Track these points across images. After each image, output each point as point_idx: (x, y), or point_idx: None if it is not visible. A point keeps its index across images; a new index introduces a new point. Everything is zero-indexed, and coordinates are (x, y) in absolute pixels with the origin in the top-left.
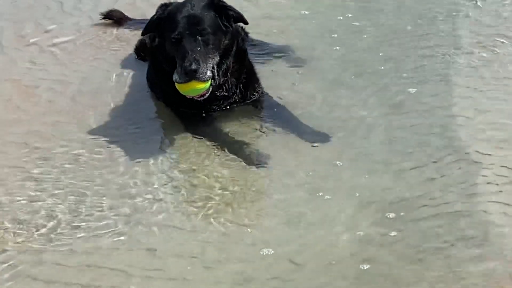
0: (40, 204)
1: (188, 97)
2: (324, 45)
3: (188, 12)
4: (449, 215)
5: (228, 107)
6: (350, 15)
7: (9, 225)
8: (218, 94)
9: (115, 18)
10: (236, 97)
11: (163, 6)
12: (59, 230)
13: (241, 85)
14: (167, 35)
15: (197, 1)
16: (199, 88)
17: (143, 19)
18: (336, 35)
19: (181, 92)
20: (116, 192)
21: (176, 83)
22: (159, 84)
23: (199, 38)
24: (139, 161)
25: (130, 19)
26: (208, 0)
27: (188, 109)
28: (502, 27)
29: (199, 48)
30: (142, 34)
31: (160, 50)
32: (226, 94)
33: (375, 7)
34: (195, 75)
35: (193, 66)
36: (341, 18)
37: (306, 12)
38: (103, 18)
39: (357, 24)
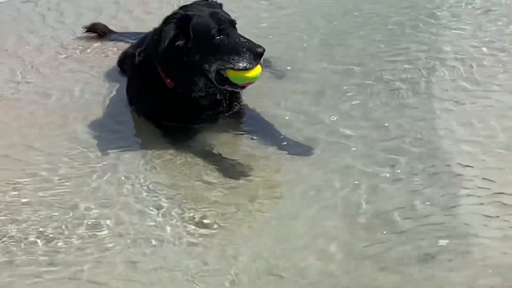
0: (21, 217)
1: (244, 85)
2: (305, 58)
3: (211, 11)
4: (430, 227)
5: (213, 118)
6: (332, 28)
7: None
8: (218, 98)
9: (98, 31)
10: (223, 106)
11: (174, 16)
12: (39, 242)
13: (228, 93)
14: (202, 35)
15: (204, 3)
16: (260, 72)
17: (126, 32)
18: (318, 48)
19: (245, 80)
20: (97, 204)
21: (241, 72)
22: (144, 99)
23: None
24: (122, 174)
25: (114, 32)
26: (210, 1)
27: (173, 123)
28: (484, 41)
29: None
30: (163, 47)
31: (179, 58)
32: (219, 99)
33: (358, 20)
34: (262, 57)
35: (262, 48)
36: (324, 31)
37: (287, 24)
38: (87, 31)
39: (340, 36)
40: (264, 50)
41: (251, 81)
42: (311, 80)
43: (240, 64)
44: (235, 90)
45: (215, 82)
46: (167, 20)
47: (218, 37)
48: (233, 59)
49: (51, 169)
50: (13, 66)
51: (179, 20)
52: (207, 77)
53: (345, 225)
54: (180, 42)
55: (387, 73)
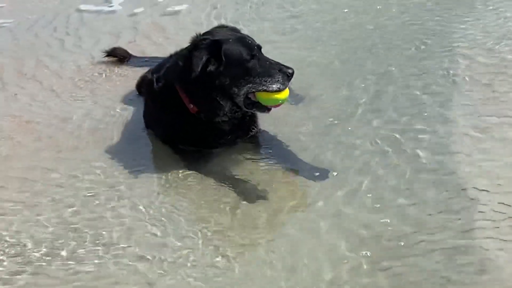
0: (39, 238)
1: (274, 107)
2: (323, 83)
3: (238, 35)
4: (446, 251)
5: (231, 142)
6: (348, 52)
7: (8, 259)
8: (237, 122)
9: (118, 56)
10: (242, 130)
11: (204, 42)
12: (58, 264)
13: (247, 117)
14: (235, 60)
15: (226, 29)
16: (289, 93)
17: (146, 57)
18: (334, 73)
19: (276, 102)
20: (114, 227)
21: (273, 94)
22: (164, 123)
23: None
24: (139, 196)
25: (134, 57)
26: (230, 27)
27: (192, 147)
28: (500, 66)
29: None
30: (197, 71)
31: (207, 83)
32: (239, 123)
33: (376, 46)
34: (292, 77)
35: (292, 69)
36: (340, 55)
37: (304, 49)
38: (107, 56)
39: (356, 61)
40: (294, 71)
41: (282, 102)
42: (329, 105)
43: (274, 86)
44: (263, 112)
45: (242, 106)
46: (196, 46)
47: (250, 60)
48: (265, 81)
49: (68, 192)
50: (32, 90)
51: (210, 46)
52: (233, 101)
53: (361, 249)
54: (211, 67)
55: (403, 98)
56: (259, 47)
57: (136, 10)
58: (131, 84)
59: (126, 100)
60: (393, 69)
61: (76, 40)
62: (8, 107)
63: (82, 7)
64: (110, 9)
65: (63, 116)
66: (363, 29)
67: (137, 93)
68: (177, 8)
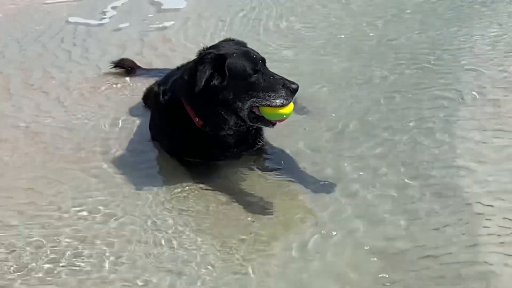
0: (45, 249)
1: (279, 121)
2: (329, 96)
3: (243, 50)
4: (451, 265)
5: (237, 155)
6: (355, 65)
7: (14, 268)
8: (243, 135)
9: (126, 67)
10: (247, 143)
11: (208, 56)
12: (64, 275)
13: (253, 131)
14: (238, 74)
15: (232, 42)
16: (293, 108)
17: (154, 68)
18: (341, 86)
19: (280, 117)
20: (120, 238)
21: (277, 109)
22: (170, 136)
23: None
24: (144, 209)
25: (141, 68)
26: (236, 40)
27: (197, 159)
28: (504, 81)
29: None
30: (201, 86)
31: (211, 97)
32: (244, 136)
33: (382, 58)
34: (296, 93)
35: (296, 85)
36: (346, 68)
37: (310, 61)
38: (115, 67)
39: (362, 75)
40: (298, 86)
41: (286, 117)
42: (334, 118)
43: (277, 101)
44: (267, 127)
45: (247, 120)
46: (201, 60)
47: (254, 75)
48: (269, 96)
49: (74, 203)
50: (39, 100)
51: (214, 60)
52: (238, 115)
53: (365, 263)
54: (215, 81)
55: (408, 112)
56: (264, 61)
57: (122, 25)
58: (138, 96)
59: (133, 111)
60: (399, 83)
61: (83, 51)
62: (15, 117)
63: (71, 19)
64: (102, 22)
65: (69, 127)
66: (370, 43)
67: (144, 104)
68: (165, 23)
